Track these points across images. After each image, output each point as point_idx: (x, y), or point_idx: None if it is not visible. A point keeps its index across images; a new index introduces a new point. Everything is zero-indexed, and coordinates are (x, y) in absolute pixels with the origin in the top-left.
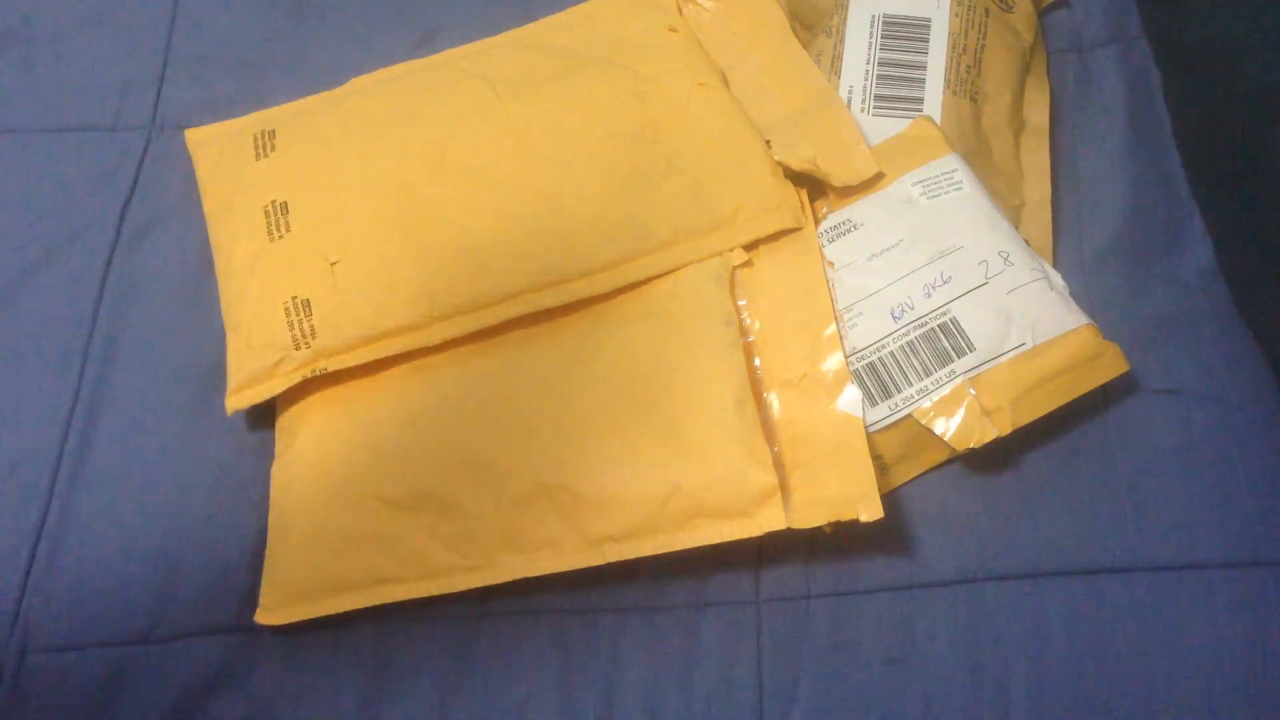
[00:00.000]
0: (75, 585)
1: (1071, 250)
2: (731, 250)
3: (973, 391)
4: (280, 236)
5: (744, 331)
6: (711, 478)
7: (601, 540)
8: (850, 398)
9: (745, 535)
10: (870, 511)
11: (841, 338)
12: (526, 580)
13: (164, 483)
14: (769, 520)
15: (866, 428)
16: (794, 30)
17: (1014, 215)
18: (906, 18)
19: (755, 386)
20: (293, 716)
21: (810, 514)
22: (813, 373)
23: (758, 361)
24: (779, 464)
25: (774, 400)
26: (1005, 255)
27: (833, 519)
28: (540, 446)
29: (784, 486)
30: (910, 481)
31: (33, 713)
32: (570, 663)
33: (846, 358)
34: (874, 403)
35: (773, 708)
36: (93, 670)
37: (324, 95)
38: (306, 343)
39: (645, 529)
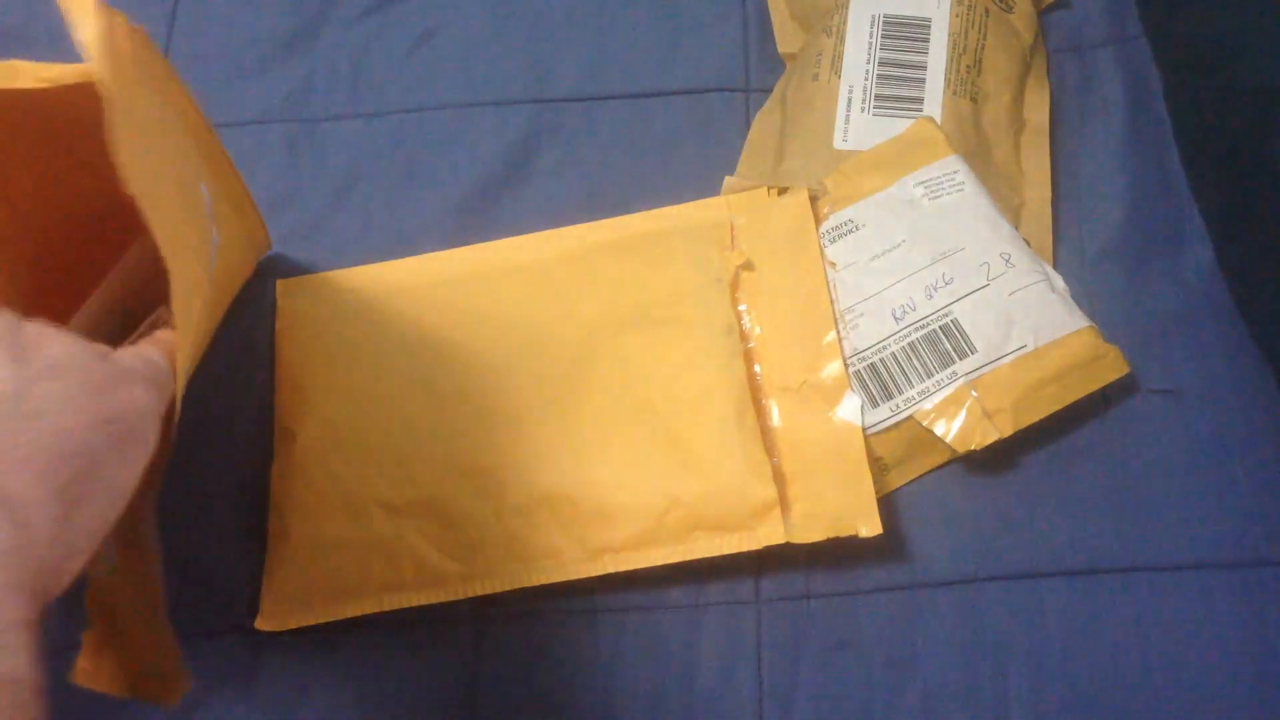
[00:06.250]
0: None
1: (1071, 250)
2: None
3: (974, 393)
4: None
5: (744, 337)
6: (711, 491)
7: (601, 551)
8: (850, 406)
9: (744, 549)
10: (870, 527)
11: (841, 344)
12: None
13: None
14: (768, 535)
15: (865, 434)
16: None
17: (1014, 215)
18: (907, 18)
19: (755, 394)
20: (293, 718)
21: (809, 528)
22: (812, 380)
23: (758, 368)
24: (778, 474)
25: (773, 407)
26: (1007, 257)
27: (832, 534)
28: (540, 455)
29: (783, 498)
30: (910, 482)
31: None
32: (570, 662)
33: (846, 364)
34: (875, 404)
35: (772, 708)
36: None
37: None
38: None
39: (644, 541)
